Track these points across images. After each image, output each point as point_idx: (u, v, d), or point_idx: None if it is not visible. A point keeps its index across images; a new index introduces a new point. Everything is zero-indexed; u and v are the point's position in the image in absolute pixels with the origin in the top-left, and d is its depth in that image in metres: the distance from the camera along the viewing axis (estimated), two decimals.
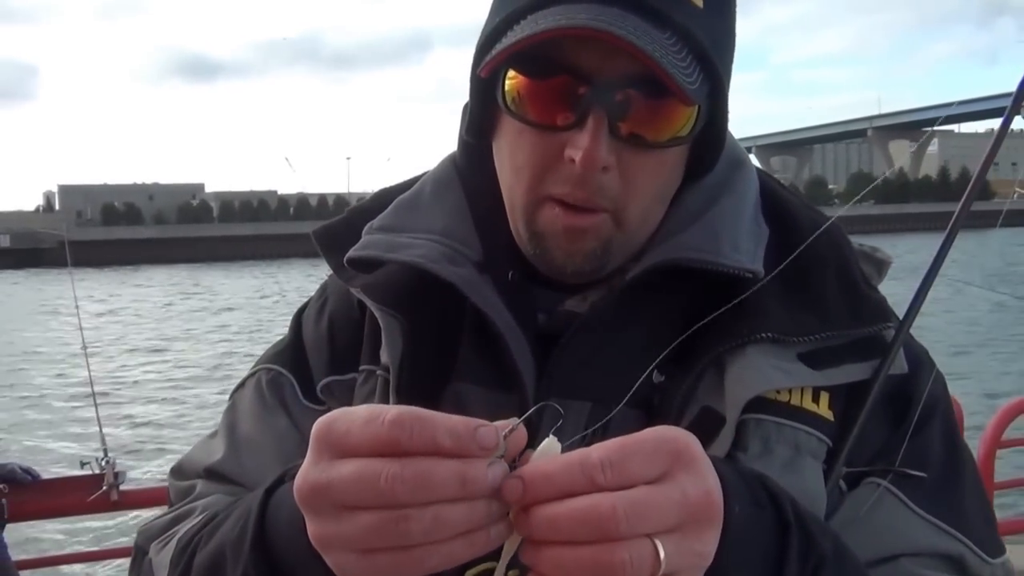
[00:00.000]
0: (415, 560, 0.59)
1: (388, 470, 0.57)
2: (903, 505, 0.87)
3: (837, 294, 0.91)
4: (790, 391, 0.86)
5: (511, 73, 0.85)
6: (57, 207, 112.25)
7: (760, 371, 0.84)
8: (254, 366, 1.06)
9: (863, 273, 0.95)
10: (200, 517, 0.90)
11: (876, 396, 0.88)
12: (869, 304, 0.92)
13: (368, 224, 0.99)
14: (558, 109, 0.83)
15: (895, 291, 1.00)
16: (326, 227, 1.04)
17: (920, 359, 0.95)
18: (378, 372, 0.94)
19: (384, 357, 0.93)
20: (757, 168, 1.02)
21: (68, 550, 5.98)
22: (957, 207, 1.03)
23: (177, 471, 1.05)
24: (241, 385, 1.06)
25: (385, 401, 0.91)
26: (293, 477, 0.64)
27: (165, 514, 0.99)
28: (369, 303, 0.93)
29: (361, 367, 0.97)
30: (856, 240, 0.99)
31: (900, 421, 0.91)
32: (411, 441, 0.58)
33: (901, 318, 0.94)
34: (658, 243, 0.92)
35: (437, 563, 0.59)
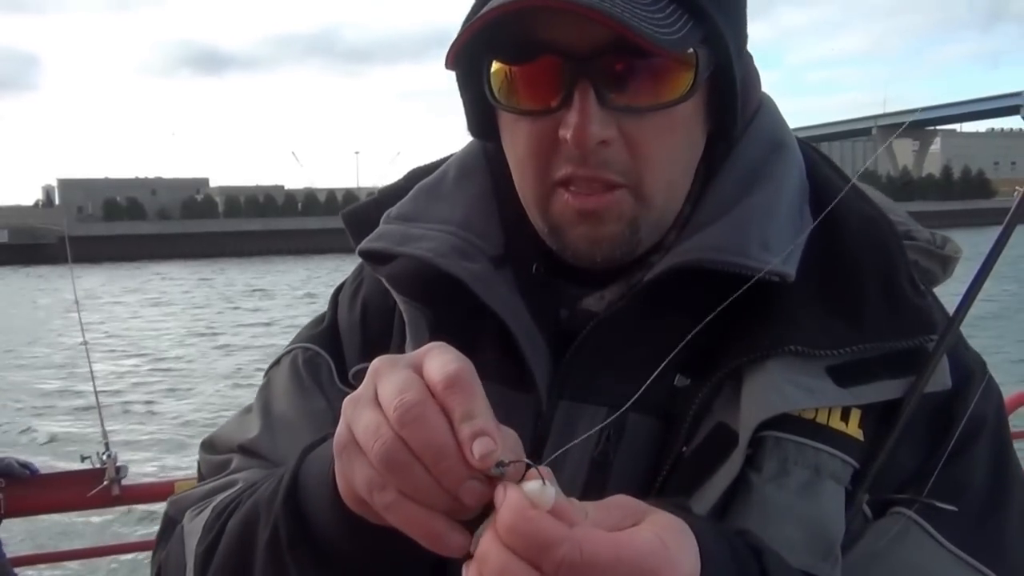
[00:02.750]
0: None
1: (384, 437, 0.59)
2: (931, 539, 0.80)
3: (877, 301, 0.82)
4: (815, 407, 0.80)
5: (494, 65, 0.81)
6: (57, 202, 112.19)
7: (779, 390, 0.78)
8: (290, 343, 1.03)
9: (912, 277, 0.85)
10: (240, 486, 0.89)
11: (909, 417, 0.80)
12: (912, 313, 0.82)
13: (387, 212, 0.95)
14: (546, 91, 0.79)
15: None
16: (355, 209, 1.00)
17: (970, 372, 0.86)
18: None
19: (409, 349, 0.89)
20: (810, 149, 0.94)
21: (67, 546, 5.96)
22: (1014, 203, 0.89)
23: (209, 445, 1.03)
24: (277, 362, 1.03)
25: None
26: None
27: (199, 486, 0.97)
28: (395, 294, 0.90)
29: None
30: (932, 231, 0.92)
31: (941, 443, 0.82)
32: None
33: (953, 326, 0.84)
34: (682, 239, 0.86)
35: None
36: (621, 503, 0.61)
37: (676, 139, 0.82)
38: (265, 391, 1.01)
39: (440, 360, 0.61)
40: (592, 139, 0.77)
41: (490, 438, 0.57)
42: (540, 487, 0.56)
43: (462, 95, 0.89)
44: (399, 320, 0.93)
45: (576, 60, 0.77)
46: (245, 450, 0.97)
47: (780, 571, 0.68)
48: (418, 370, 0.62)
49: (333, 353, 0.98)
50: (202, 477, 1.01)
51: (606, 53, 0.76)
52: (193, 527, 0.88)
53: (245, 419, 1.01)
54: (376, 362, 0.64)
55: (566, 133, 0.77)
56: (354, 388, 0.92)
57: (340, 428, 0.64)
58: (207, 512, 0.88)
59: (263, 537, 0.75)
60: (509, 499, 0.55)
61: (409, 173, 1.01)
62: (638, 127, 0.79)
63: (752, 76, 0.91)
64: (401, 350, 0.91)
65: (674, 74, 0.79)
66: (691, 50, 0.79)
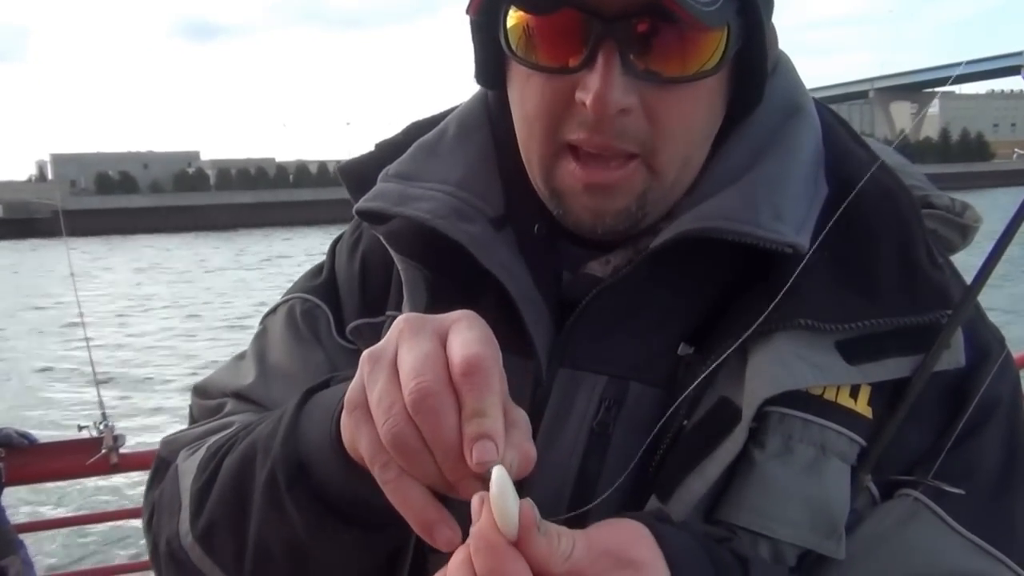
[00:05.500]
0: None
1: (396, 418, 0.58)
2: (940, 521, 0.78)
3: (893, 275, 0.79)
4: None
5: (512, 10, 0.77)
6: (50, 176, 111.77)
7: (785, 365, 0.75)
8: (287, 293, 1.02)
9: (930, 249, 0.81)
10: (235, 427, 0.89)
11: (919, 396, 0.78)
12: (928, 287, 0.79)
13: (385, 169, 0.91)
14: (566, 47, 0.75)
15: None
16: (354, 162, 0.96)
17: (987, 350, 0.83)
18: None
19: (407, 309, 0.87)
20: (826, 112, 0.91)
21: (67, 513, 6.02)
22: None
23: (202, 391, 1.03)
24: (273, 311, 1.02)
25: None
26: (340, 381, 0.65)
27: (193, 427, 0.97)
28: (393, 253, 0.89)
29: (388, 312, 0.92)
30: (950, 195, 0.88)
31: (953, 423, 0.79)
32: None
33: (971, 301, 0.80)
34: (690, 206, 0.82)
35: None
36: (611, 549, 0.60)
37: (698, 112, 0.78)
38: (261, 339, 1.00)
39: (465, 338, 0.59)
40: (613, 107, 0.73)
41: (492, 443, 0.56)
42: (503, 511, 0.54)
43: (474, 40, 0.85)
44: (398, 275, 0.91)
45: (602, 19, 0.72)
46: (239, 396, 0.96)
47: None
48: (443, 339, 0.60)
49: (331, 305, 0.97)
50: (194, 421, 1.01)
51: (634, 15, 0.72)
52: (187, 466, 0.88)
53: (239, 365, 1.00)
54: (402, 320, 0.62)
55: (585, 97, 0.73)
56: (351, 343, 0.95)
57: (355, 384, 0.62)
58: (201, 451, 0.87)
59: (261, 477, 0.74)
60: (480, 528, 0.55)
61: (408, 127, 0.98)
62: (660, 97, 0.75)
63: (772, 37, 0.85)
64: (397, 307, 0.91)
65: (704, 44, 0.75)
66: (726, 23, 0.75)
